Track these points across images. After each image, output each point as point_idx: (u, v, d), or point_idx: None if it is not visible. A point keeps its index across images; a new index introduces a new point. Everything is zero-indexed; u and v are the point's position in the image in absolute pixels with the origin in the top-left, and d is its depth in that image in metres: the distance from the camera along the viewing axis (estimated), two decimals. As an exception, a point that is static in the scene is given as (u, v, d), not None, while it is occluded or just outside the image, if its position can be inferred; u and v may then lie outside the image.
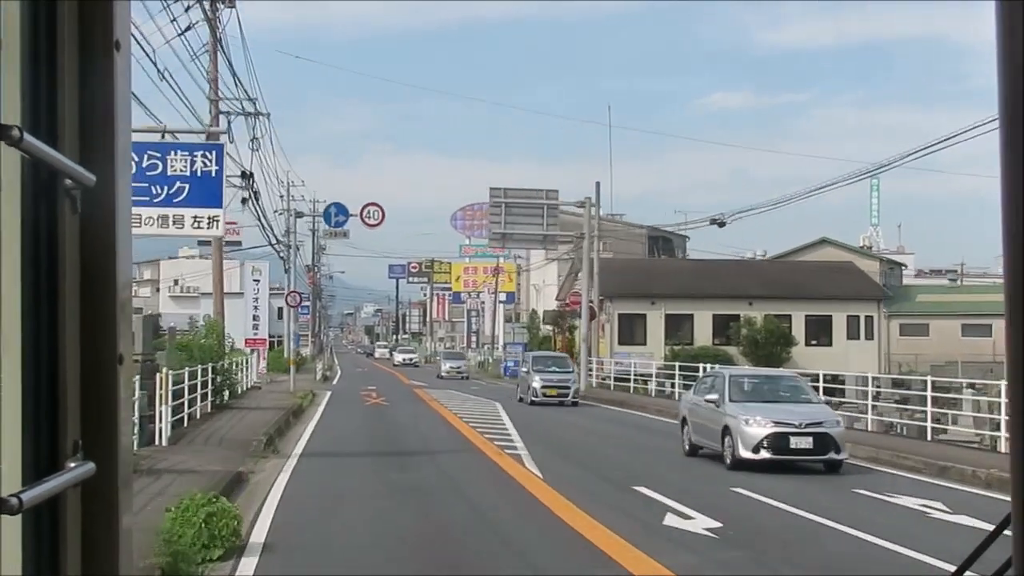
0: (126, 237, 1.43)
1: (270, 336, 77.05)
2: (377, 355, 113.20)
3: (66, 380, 1.34)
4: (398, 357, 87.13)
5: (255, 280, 59.55)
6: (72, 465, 1.33)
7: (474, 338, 79.70)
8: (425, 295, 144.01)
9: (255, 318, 59.46)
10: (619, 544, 11.06)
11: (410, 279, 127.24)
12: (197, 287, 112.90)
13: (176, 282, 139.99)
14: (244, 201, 33.43)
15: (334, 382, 54.44)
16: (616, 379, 47.61)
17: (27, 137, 1.17)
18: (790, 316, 52.45)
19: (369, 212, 39.45)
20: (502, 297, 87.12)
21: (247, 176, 33.15)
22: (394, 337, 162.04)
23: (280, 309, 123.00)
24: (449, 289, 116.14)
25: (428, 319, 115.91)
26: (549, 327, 59.13)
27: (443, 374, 60.52)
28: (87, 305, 1.38)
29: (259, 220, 36.55)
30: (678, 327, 52.36)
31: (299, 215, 40.82)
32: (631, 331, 52.13)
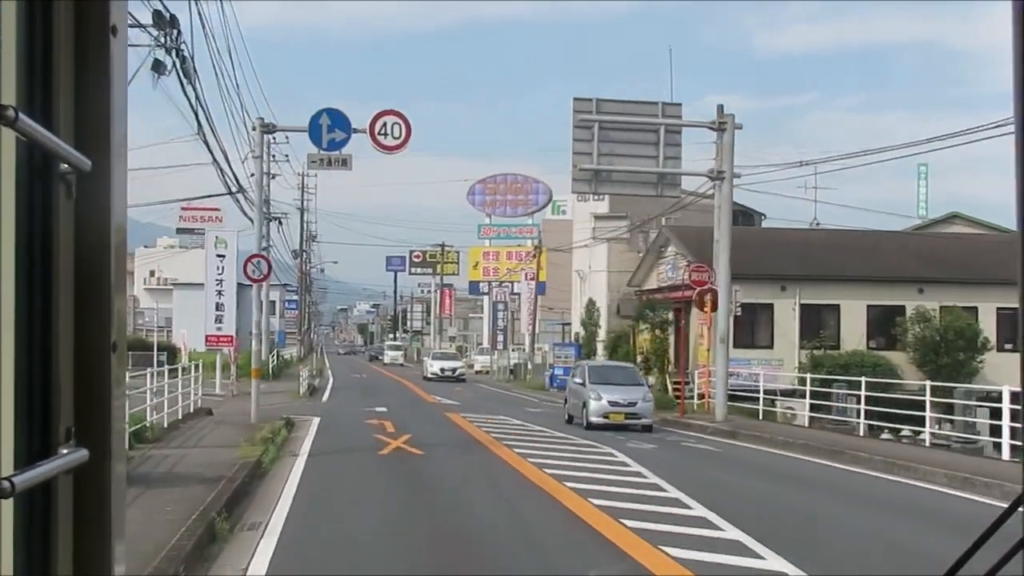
0: (121, 224, 1.42)
1: (263, 334, 61.65)
2: (387, 359, 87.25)
3: (59, 367, 1.33)
4: (434, 366, 58.21)
5: (219, 255, 43.37)
6: (65, 451, 1.32)
7: (500, 337, 64.14)
8: (425, 291, 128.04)
9: (218, 307, 43.28)
10: None
11: (412, 270, 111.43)
12: (176, 278, 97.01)
13: (152, 273, 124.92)
14: (158, 70, 17.67)
15: (323, 398, 38.49)
16: (733, 396, 32.20)
17: (22, 117, 1.15)
18: (976, 309, 36.73)
19: (385, 127, 23.61)
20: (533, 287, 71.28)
21: (167, 22, 17.41)
22: (391, 336, 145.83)
23: (268, 302, 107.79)
24: (451, 285, 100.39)
25: (438, 314, 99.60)
26: (627, 322, 43.21)
27: (596, 419, 25.95)
28: (81, 292, 1.36)
29: (197, 119, 20.76)
30: (818, 322, 36.62)
31: (269, 128, 24.74)
32: (751, 328, 36.34)
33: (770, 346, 36.24)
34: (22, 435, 1.27)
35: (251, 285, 30.03)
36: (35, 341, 1.30)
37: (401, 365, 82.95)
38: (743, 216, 59.57)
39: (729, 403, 32.66)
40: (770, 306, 36.30)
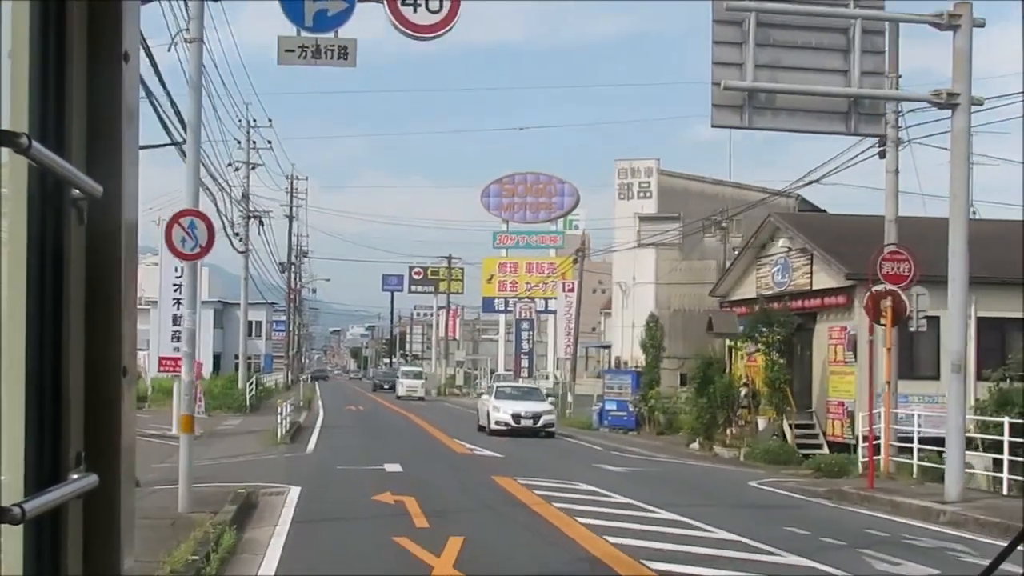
0: (132, 249, 1.42)
1: (240, 358, 51.17)
2: (403, 391, 62.89)
3: (70, 392, 1.33)
4: (502, 410, 32.71)
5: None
6: (75, 477, 1.31)
7: (525, 362, 53.71)
8: (424, 314, 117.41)
9: (176, 320, 32.87)
10: None
11: (412, 288, 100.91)
12: (153, 299, 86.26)
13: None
14: None
15: (309, 445, 27.81)
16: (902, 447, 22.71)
17: (35, 145, 1.16)
18: None
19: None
20: (554, 306, 60.87)
21: None
22: (386, 362, 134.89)
23: (255, 323, 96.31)
24: (453, 306, 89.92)
25: (443, 336, 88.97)
26: (721, 341, 32.71)
27: None
28: (92, 317, 1.36)
29: None
30: (1002, 343, 26.37)
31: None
32: (907, 349, 25.97)
33: (935, 376, 25.91)
34: (32, 460, 1.26)
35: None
36: (46, 366, 1.29)
37: (421, 399, 61.11)
38: (816, 213, 49.44)
39: (895, 458, 22.62)
40: (934, 320, 25.95)
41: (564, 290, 47.84)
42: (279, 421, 29.33)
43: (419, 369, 73.28)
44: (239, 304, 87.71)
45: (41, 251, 1.28)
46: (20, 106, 1.23)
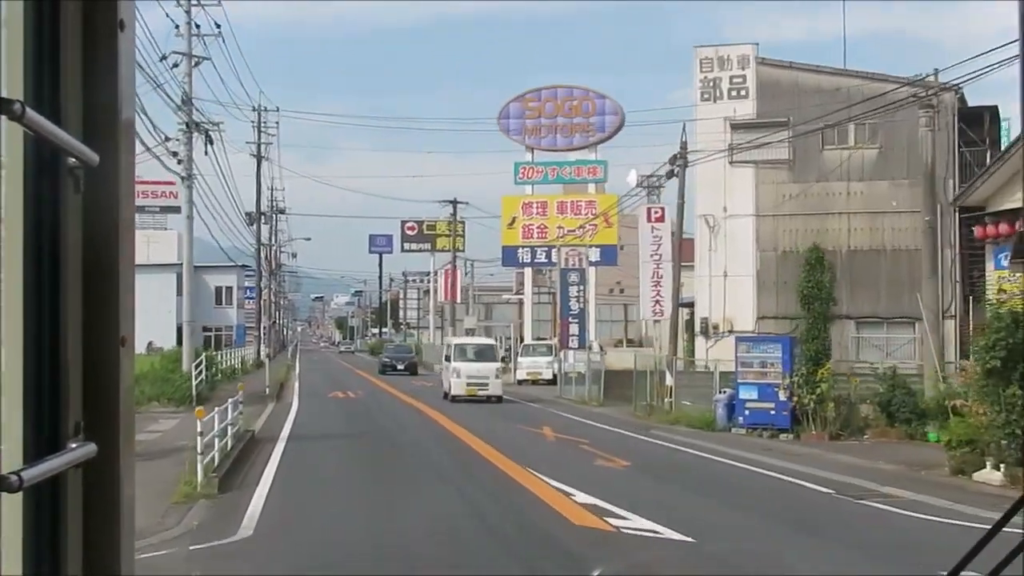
0: (129, 218, 1.42)
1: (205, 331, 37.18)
2: (458, 388, 33.75)
3: (68, 361, 1.33)
4: None
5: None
6: (73, 446, 1.31)
7: (575, 329, 39.99)
8: (420, 280, 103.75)
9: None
10: None
11: (405, 246, 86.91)
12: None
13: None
14: None
15: (247, 514, 13.16)
16: None
17: (29, 112, 1.15)
18: None
19: None
20: (595, 256, 46.94)
21: None
22: (375, 332, 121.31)
23: (225, 290, 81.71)
24: (442, 267, 75.94)
25: (447, 299, 74.78)
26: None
27: None
28: (90, 286, 1.36)
29: None
30: None
31: None
32: None
33: None
34: (31, 429, 1.26)
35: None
36: (44, 336, 1.29)
37: (498, 399, 34.09)
38: (987, 115, 35.65)
39: None
40: None
41: (651, 219, 33.55)
42: (202, 444, 15.32)
43: (489, 342, 40.04)
44: (208, 268, 74.27)
45: (38, 220, 1.26)
46: (15, 73, 1.22)
